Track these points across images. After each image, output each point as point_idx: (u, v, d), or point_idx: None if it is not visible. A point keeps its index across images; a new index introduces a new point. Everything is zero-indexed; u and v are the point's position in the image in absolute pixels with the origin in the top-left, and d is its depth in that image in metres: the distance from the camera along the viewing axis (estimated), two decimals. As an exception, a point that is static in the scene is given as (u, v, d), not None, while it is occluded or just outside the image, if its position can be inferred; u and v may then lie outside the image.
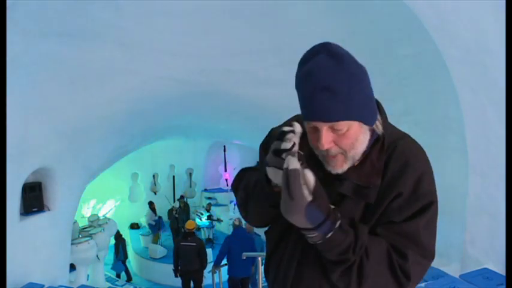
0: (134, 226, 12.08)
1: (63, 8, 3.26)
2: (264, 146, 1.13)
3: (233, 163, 13.42)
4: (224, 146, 13.35)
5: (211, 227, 10.87)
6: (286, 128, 0.87)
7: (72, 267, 6.35)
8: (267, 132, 1.18)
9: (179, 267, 6.40)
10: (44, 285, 3.94)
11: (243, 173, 1.18)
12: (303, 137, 1.00)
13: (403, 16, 3.07)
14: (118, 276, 9.35)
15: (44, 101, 4.26)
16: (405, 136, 1.01)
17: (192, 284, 6.61)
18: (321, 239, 0.84)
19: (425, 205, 0.91)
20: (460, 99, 2.84)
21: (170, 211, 10.86)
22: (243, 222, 6.19)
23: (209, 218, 10.94)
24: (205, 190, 13.72)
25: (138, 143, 8.47)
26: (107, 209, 11.82)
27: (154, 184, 12.81)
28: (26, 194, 4.59)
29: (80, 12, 3.41)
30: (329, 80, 0.83)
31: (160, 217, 10.87)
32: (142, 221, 11.96)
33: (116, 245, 9.01)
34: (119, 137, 6.58)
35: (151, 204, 11.11)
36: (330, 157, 0.92)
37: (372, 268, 0.87)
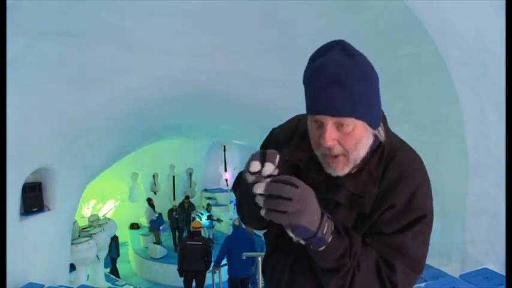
0: (134, 226, 12.09)
1: (63, 8, 3.26)
2: (264, 147, 1.13)
3: (233, 163, 13.43)
4: (224, 146, 13.36)
5: (211, 227, 10.88)
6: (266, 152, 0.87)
7: (72, 267, 6.36)
8: (267, 132, 1.18)
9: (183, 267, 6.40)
10: (44, 285, 3.93)
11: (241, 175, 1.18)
12: (304, 138, 0.99)
13: (403, 16, 3.06)
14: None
15: (44, 101, 4.27)
16: (404, 146, 1.00)
17: (193, 284, 6.60)
18: (316, 250, 0.85)
19: (416, 218, 0.90)
20: (460, 99, 2.83)
21: (170, 211, 10.88)
22: (243, 222, 6.19)
23: (209, 218, 10.96)
24: (205, 190, 13.74)
25: (138, 143, 8.47)
26: (106, 209, 11.83)
27: (154, 184, 12.82)
28: (26, 194, 4.58)
29: (80, 12, 3.41)
30: (342, 74, 0.82)
31: (160, 213, 10.89)
32: (143, 221, 11.97)
33: (109, 243, 9.03)
34: (119, 137, 6.58)
35: (149, 201, 11.13)
36: (331, 158, 0.90)
37: (362, 279, 0.88)
